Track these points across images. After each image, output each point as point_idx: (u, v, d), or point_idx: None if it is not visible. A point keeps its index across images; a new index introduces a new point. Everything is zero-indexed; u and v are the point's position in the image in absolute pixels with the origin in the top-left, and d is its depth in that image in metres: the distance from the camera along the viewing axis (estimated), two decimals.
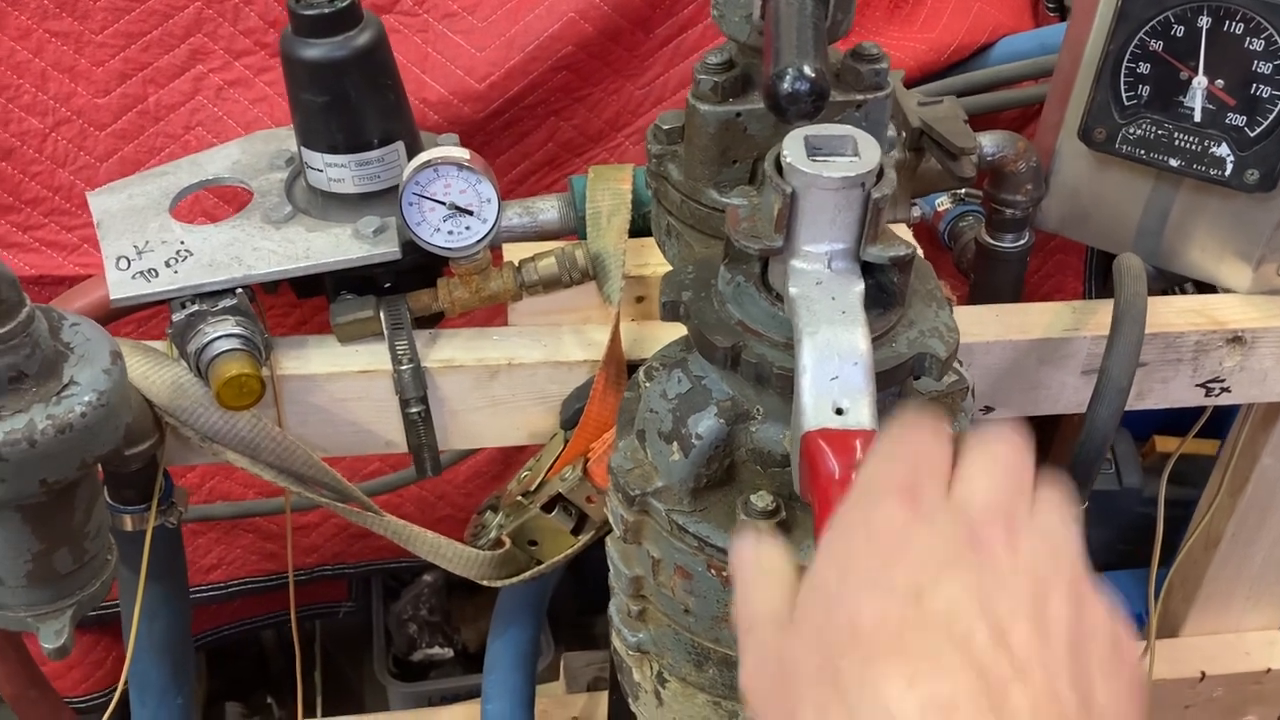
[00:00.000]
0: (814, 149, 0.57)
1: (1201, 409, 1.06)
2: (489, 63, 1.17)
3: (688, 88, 1.26)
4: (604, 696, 1.12)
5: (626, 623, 0.72)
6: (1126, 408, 0.93)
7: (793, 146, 0.57)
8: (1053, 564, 0.43)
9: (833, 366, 0.54)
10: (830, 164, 0.56)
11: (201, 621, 1.50)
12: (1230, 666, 1.19)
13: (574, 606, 1.73)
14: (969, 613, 0.39)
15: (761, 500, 0.61)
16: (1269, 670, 1.19)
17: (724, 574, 0.63)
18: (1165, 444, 1.77)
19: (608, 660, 1.22)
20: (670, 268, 0.69)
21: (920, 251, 0.88)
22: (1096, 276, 1.40)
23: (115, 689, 1.48)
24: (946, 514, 0.43)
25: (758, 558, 0.48)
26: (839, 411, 0.53)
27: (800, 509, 0.62)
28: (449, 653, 1.88)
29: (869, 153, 0.57)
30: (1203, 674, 1.18)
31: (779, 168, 0.57)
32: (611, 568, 0.71)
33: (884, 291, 0.60)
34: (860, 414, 0.53)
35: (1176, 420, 1.24)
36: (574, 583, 1.73)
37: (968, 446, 0.46)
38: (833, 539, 0.45)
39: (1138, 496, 1.51)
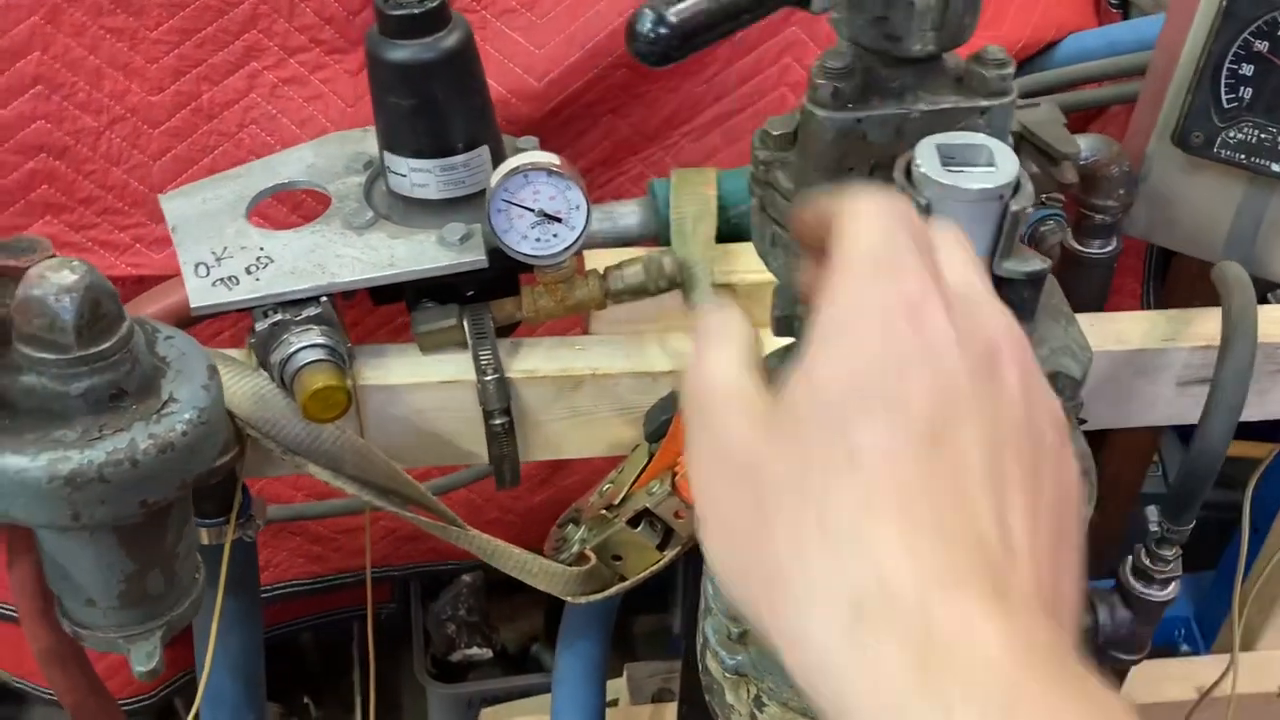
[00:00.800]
0: (948, 158, 0.54)
1: None
2: (548, 60, 1.15)
3: (747, 83, 1.26)
4: (671, 708, 1.10)
5: (725, 645, 0.69)
6: None
7: (926, 155, 0.54)
8: (1050, 416, 0.41)
9: None
10: (967, 175, 0.53)
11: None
12: None
13: (634, 606, 1.71)
14: (978, 471, 0.36)
15: None
16: None
17: None
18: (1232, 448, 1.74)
19: (672, 672, 1.20)
20: (779, 284, 0.66)
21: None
22: (1155, 277, 1.37)
23: (160, 691, 1.47)
24: (965, 330, 0.39)
25: (724, 321, 0.43)
26: None
27: None
28: (488, 653, 1.87)
29: (1007, 163, 0.54)
30: None
31: (910, 177, 0.55)
32: (710, 588, 0.69)
33: (1013, 308, 0.57)
34: None
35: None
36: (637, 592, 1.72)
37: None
38: (833, 333, 0.38)
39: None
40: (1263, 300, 1.03)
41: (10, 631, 1.40)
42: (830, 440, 0.36)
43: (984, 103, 0.62)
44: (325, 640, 1.90)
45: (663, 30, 0.48)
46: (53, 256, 0.56)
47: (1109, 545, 1.90)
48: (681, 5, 0.48)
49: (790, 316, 0.60)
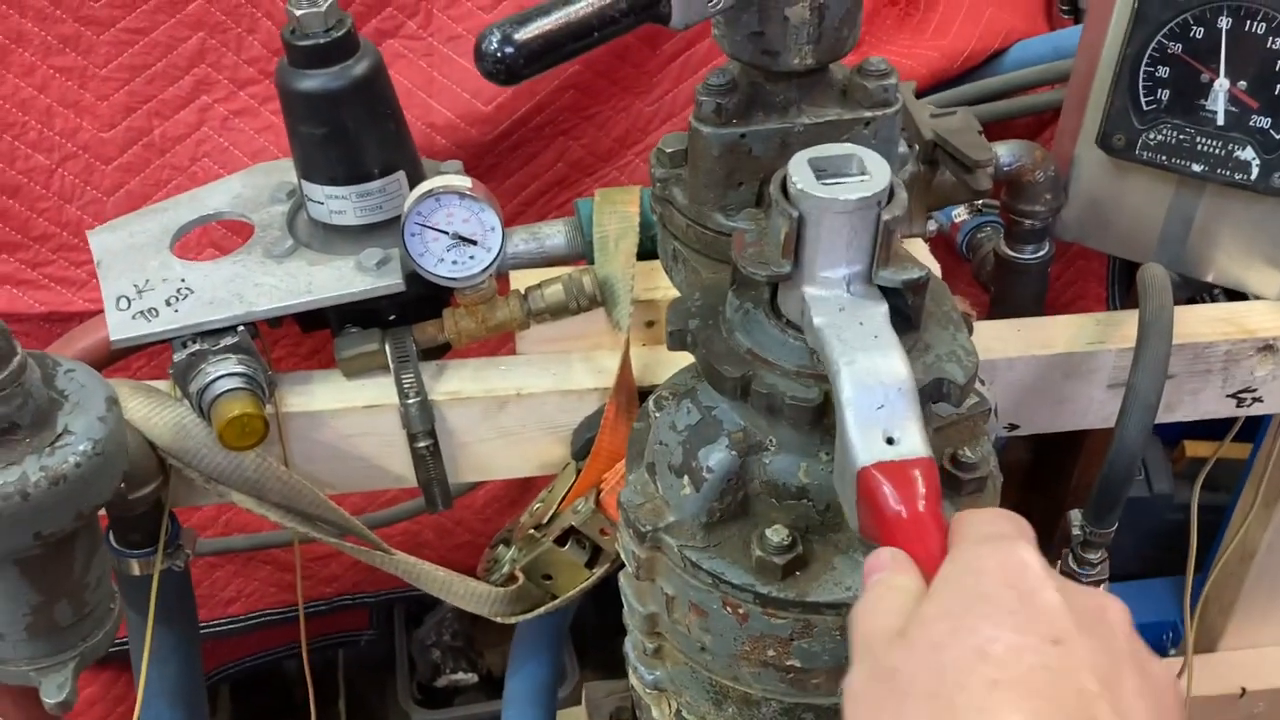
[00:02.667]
0: (820, 170, 0.55)
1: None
2: (496, 84, 1.16)
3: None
4: None
5: (643, 660, 0.70)
6: (1156, 420, 0.91)
7: (798, 169, 0.55)
8: (1159, 664, 0.46)
9: (878, 395, 0.52)
10: (840, 186, 0.54)
11: (223, 654, 1.50)
12: (1272, 681, 1.16)
13: (599, 628, 1.71)
14: (1096, 677, 0.41)
15: (777, 535, 0.59)
16: None
17: (740, 611, 0.61)
18: (1195, 449, 1.74)
19: (630, 690, 1.20)
20: (676, 296, 0.67)
21: (939, 270, 0.86)
22: (1120, 282, 1.37)
23: None
24: (1072, 589, 0.45)
25: (892, 572, 0.49)
26: (890, 441, 0.51)
27: (818, 543, 0.60)
28: (473, 678, 1.86)
29: (878, 172, 0.55)
30: (1243, 690, 1.15)
31: (785, 191, 0.55)
32: (625, 605, 0.69)
33: (898, 315, 0.58)
34: (913, 442, 0.51)
35: (1206, 424, 1.22)
36: (597, 605, 1.71)
37: None
38: (956, 574, 0.46)
39: (1169, 503, 1.49)
40: (1200, 300, 1.03)
41: None
42: (960, 641, 0.43)
43: (868, 114, 0.62)
44: (311, 669, 1.89)
45: (509, 49, 0.49)
46: None
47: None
48: (527, 26, 0.49)
49: (684, 331, 0.61)
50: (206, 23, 1.15)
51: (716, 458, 0.60)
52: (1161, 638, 1.72)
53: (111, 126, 1.16)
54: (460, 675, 1.86)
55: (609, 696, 1.11)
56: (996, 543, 0.47)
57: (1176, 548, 1.16)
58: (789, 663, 0.62)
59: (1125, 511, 1.87)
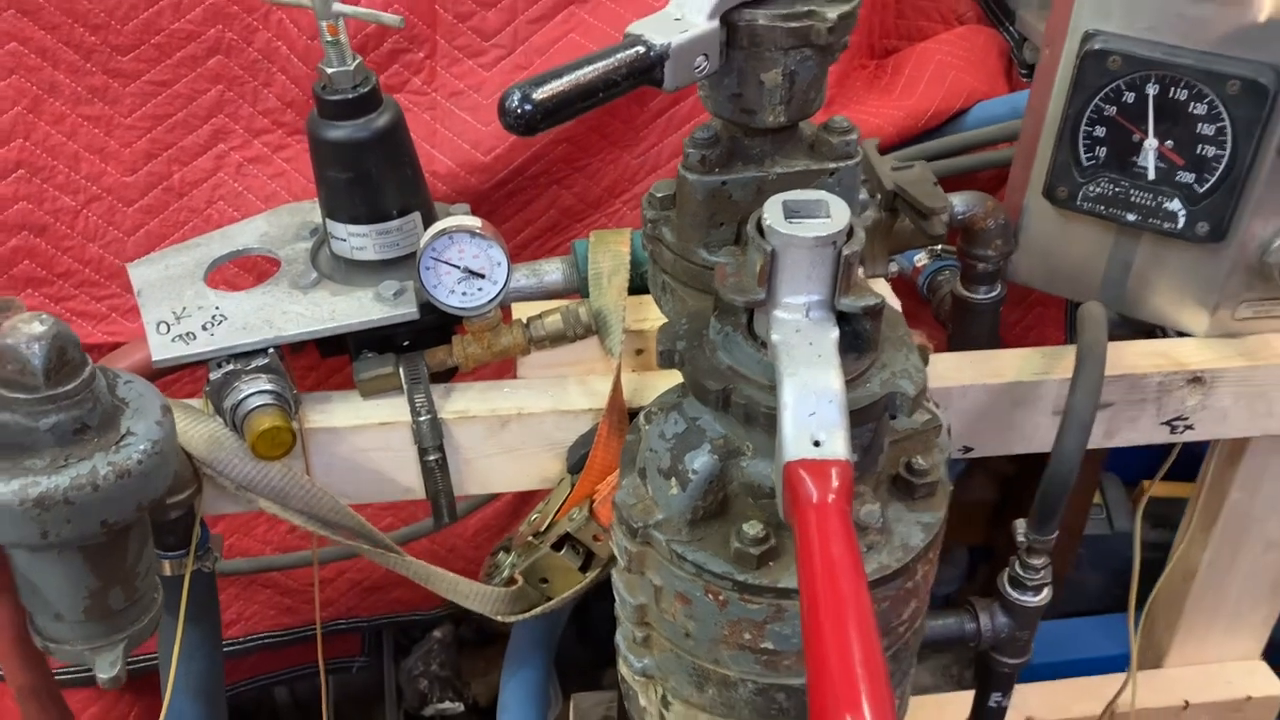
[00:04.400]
0: (791, 212, 0.64)
1: (1180, 454, 1.13)
2: (494, 136, 1.25)
3: (680, 157, 1.37)
4: None
5: (632, 649, 0.77)
6: (1099, 445, 1.00)
7: (772, 210, 0.64)
8: None
9: (810, 404, 0.61)
10: (805, 225, 0.63)
11: None
12: (1212, 695, 1.24)
13: (582, 657, 1.78)
14: None
15: (753, 529, 0.67)
16: (1249, 698, 1.24)
17: (720, 597, 0.69)
18: (1154, 488, 1.82)
19: (614, 700, 1.27)
20: (666, 321, 0.76)
21: (897, 303, 0.95)
22: (1075, 326, 1.46)
23: None
24: None
25: None
26: (816, 443, 0.60)
27: (787, 536, 0.68)
28: (459, 707, 1.90)
29: (839, 214, 0.64)
30: (1186, 703, 1.23)
31: (760, 229, 0.64)
32: (617, 598, 0.77)
33: (859, 338, 0.67)
34: (835, 445, 0.59)
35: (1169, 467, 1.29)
36: (581, 634, 1.78)
37: None
38: None
39: (1129, 541, 1.58)
40: (1150, 336, 1.12)
41: None
42: None
43: (832, 165, 0.72)
44: (301, 696, 1.93)
45: (528, 107, 0.58)
46: (17, 313, 0.65)
47: (1054, 586, 1.97)
48: (543, 87, 0.58)
49: (672, 350, 0.69)
50: (225, 76, 1.24)
51: (701, 461, 0.68)
52: (1121, 668, 1.80)
53: (134, 171, 1.24)
54: (447, 705, 1.90)
55: (595, 706, 1.18)
56: None
57: (1141, 584, 1.23)
58: (763, 645, 0.70)
59: (1088, 550, 1.95)
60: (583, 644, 1.77)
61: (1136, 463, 1.62)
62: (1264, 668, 1.27)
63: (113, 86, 1.21)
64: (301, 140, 1.28)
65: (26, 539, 0.63)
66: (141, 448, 0.65)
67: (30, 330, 0.61)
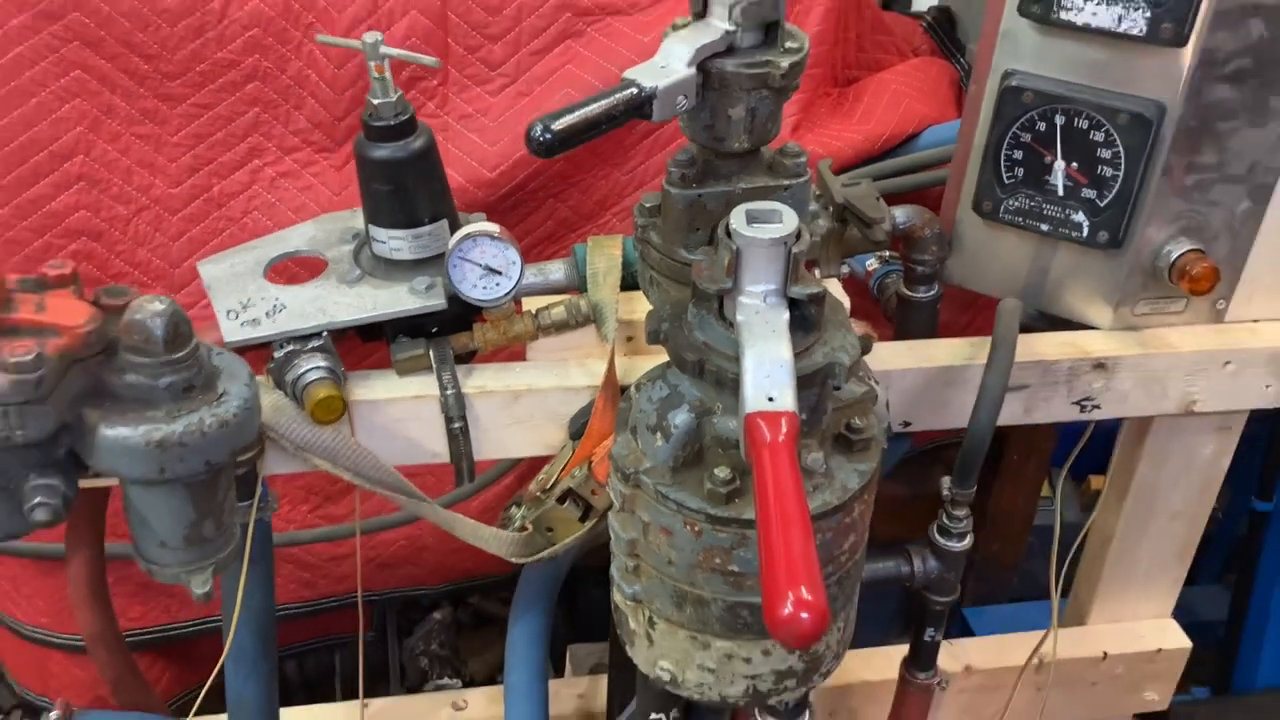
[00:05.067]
0: (752, 218, 0.81)
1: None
2: (499, 155, 1.42)
3: (664, 174, 1.53)
4: (603, 678, 1.33)
5: (624, 578, 0.94)
6: (1019, 422, 1.17)
7: (737, 218, 0.81)
8: None
9: (766, 369, 0.78)
10: (763, 229, 0.80)
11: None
12: (1128, 648, 1.41)
13: (566, 638, 1.92)
14: None
15: (722, 472, 0.84)
16: (1160, 650, 1.41)
17: (696, 529, 0.86)
18: (1100, 483, 2.00)
19: (605, 651, 1.43)
20: (652, 308, 0.93)
21: (846, 300, 1.12)
22: None
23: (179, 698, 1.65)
24: None
25: None
26: (770, 399, 0.77)
27: (749, 479, 0.85)
28: (458, 684, 2.04)
29: (790, 221, 0.81)
30: (1105, 654, 1.40)
31: (728, 232, 0.81)
32: (612, 535, 0.94)
33: (805, 320, 0.84)
34: (785, 400, 0.76)
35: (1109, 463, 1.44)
36: (568, 618, 1.93)
37: None
38: None
39: (1076, 531, 1.66)
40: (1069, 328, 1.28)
41: (36, 654, 1.61)
42: None
43: (786, 182, 0.89)
44: (309, 672, 2.05)
45: (548, 135, 0.75)
46: (139, 297, 0.82)
47: (1006, 573, 2.14)
48: (561, 119, 0.75)
49: (658, 330, 0.86)
50: (260, 100, 1.40)
51: (681, 418, 0.85)
52: None
53: (179, 184, 1.40)
54: (446, 681, 2.03)
55: (588, 656, 1.35)
56: None
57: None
58: (730, 568, 0.86)
59: (1039, 539, 2.11)
60: (568, 625, 1.92)
61: (1083, 460, 1.78)
62: (1174, 625, 1.44)
63: (162, 109, 1.37)
64: (328, 158, 1.44)
65: (147, 474, 0.79)
66: (236, 403, 0.81)
67: (153, 308, 0.78)
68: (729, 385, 0.83)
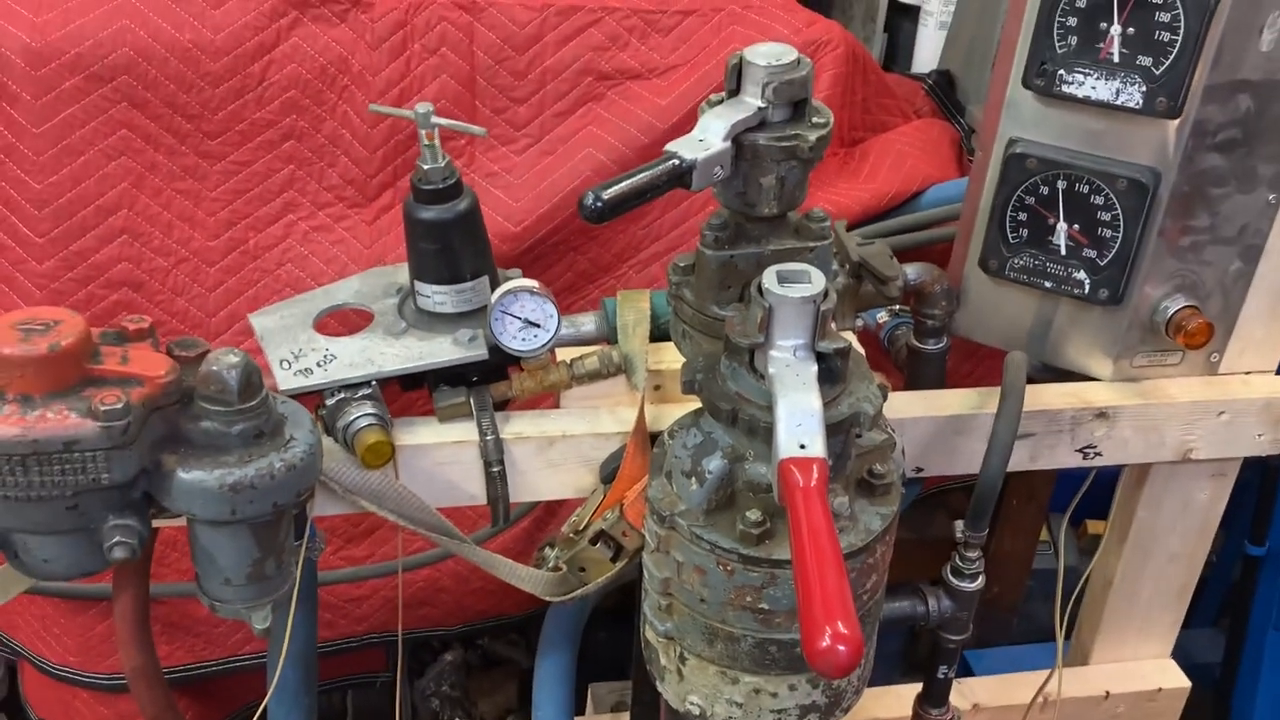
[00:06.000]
0: (783, 279, 0.88)
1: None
2: (522, 211, 1.48)
3: (677, 228, 1.61)
4: (623, 716, 1.38)
5: (657, 615, 0.99)
6: (1025, 468, 1.23)
7: (769, 278, 0.88)
8: None
9: (797, 418, 0.84)
10: (793, 288, 0.87)
11: (250, 691, 1.72)
12: (1129, 687, 1.46)
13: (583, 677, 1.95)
14: None
15: (754, 515, 0.90)
16: (1160, 689, 1.46)
17: (728, 568, 0.91)
18: (1096, 527, 2.05)
19: (627, 688, 1.47)
20: (684, 360, 0.99)
21: (861, 350, 1.19)
22: None
23: None
24: None
25: None
26: (802, 446, 0.83)
27: (781, 522, 0.91)
28: None
29: (819, 281, 0.87)
30: (1107, 693, 1.45)
31: (760, 291, 0.88)
32: (646, 574, 0.99)
33: (832, 372, 0.90)
34: (815, 448, 0.82)
35: (1105, 508, 1.50)
36: (580, 657, 1.96)
37: None
38: None
39: (1075, 574, 1.69)
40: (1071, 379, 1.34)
41: (63, 692, 1.64)
42: None
43: (812, 244, 0.96)
44: (324, 714, 2.08)
45: (600, 203, 0.81)
46: (210, 350, 0.88)
47: (1006, 615, 2.19)
48: (611, 189, 0.81)
49: (693, 380, 0.93)
50: (295, 158, 1.46)
51: (715, 464, 0.91)
52: None
53: (216, 237, 1.46)
54: None
55: (609, 694, 1.39)
56: None
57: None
58: (761, 606, 0.92)
59: (1038, 582, 2.16)
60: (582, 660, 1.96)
61: (1080, 506, 1.82)
62: (1173, 665, 1.50)
63: (202, 165, 1.43)
64: (360, 213, 1.50)
65: (219, 515, 0.85)
66: (302, 448, 0.87)
67: (228, 361, 0.84)
68: (760, 433, 0.88)
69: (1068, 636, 1.50)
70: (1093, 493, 1.39)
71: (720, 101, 0.91)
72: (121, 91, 1.35)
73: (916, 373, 1.30)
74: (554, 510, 1.60)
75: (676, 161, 0.85)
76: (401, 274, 1.15)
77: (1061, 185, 1.17)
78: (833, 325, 0.89)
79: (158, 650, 1.58)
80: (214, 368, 0.83)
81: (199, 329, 1.47)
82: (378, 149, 1.47)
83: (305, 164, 1.48)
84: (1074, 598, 1.42)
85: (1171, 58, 1.05)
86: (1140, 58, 1.07)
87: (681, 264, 0.99)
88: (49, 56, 1.32)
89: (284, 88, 1.42)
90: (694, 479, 0.92)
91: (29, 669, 1.67)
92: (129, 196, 1.40)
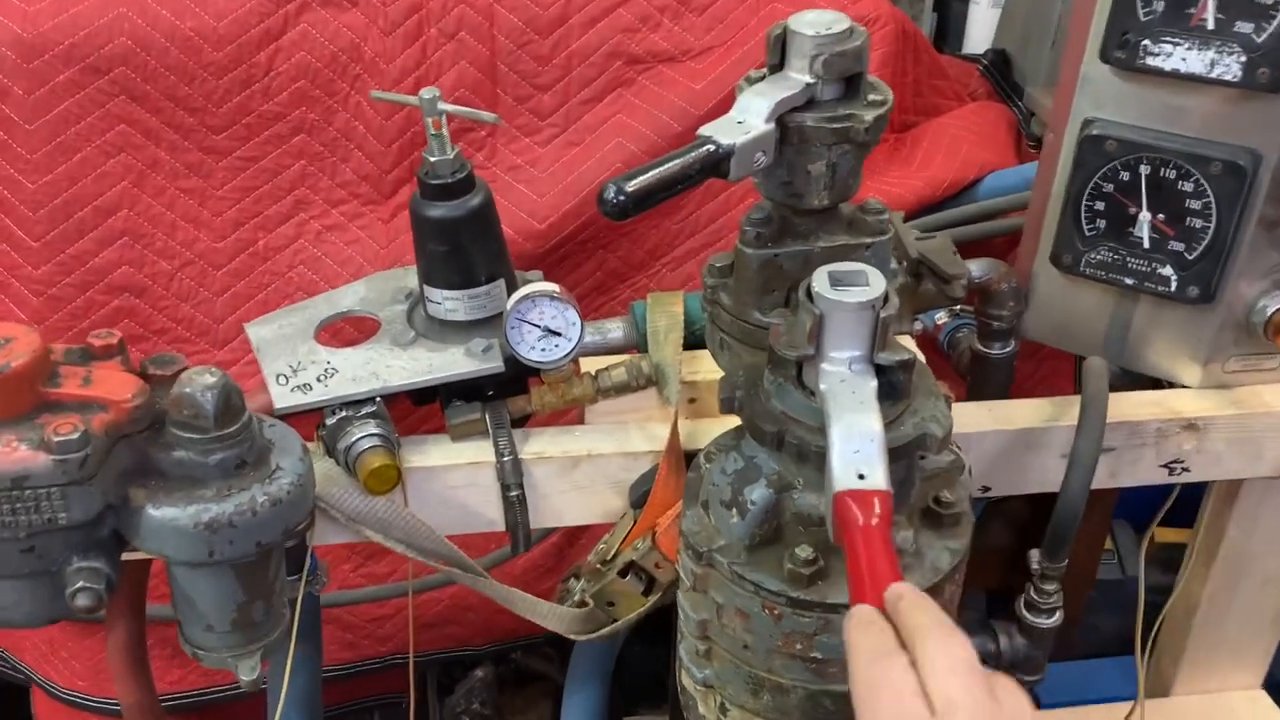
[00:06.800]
0: (836, 281, 0.76)
1: (1183, 500, 1.23)
2: (549, 206, 1.38)
3: (715, 222, 1.50)
4: None
5: (695, 661, 0.88)
6: (1104, 486, 1.11)
7: (820, 280, 0.76)
8: None
9: (855, 443, 0.72)
10: (849, 292, 0.75)
11: (264, 716, 1.65)
12: None
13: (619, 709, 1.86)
14: None
15: (804, 552, 0.78)
16: None
17: (775, 612, 0.80)
18: (1164, 535, 1.92)
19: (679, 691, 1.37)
20: (721, 374, 0.88)
21: (922, 358, 1.07)
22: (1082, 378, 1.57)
23: None
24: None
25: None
26: (861, 477, 0.71)
27: (835, 559, 0.79)
28: None
29: (877, 283, 0.76)
30: None
31: (809, 295, 0.76)
32: (681, 615, 0.88)
33: (894, 388, 0.79)
34: (876, 479, 0.71)
35: (1174, 513, 1.39)
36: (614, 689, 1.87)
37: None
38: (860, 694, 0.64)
39: (1137, 584, 1.66)
40: (1151, 387, 1.23)
41: (72, 716, 1.57)
42: None
43: (868, 240, 0.84)
44: None
45: (622, 197, 0.70)
46: (187, 368, 0.78)
47: (1068, 628, 2.06)
48: (635, 180, 0.70)
49: (732, 398, 0.81)
50: (307, 153, 1.37)
51: (759, 494, 0.80)
52: None
53: (224, 238, 1.37)
54: None
55: None
56: (887, 665, 0.62)
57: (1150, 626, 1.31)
58: (813, 654, 0.81)
59: (1102, 595, 2.04)
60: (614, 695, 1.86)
61: (1146, 512, 1.71)
62: (1264, 697, 1.37)
63: (207, 162, 1.35)
64: (375, 210, 1.41)
65: (195, 557, 0.75)
66: (289, 480, 0.77)
67: (203, 381, 0.73)
68: (811, 458, 0.77)
69: (1135, 653, 1.39)
70: (1155, 497, 1.26)
71: (761, 78, 0.79)
72: (119, 84, 1.28)
73: (981, 380, 1.18)
74: (573, 536, 1.50)
75: (712, 147, 0.74)
76: (411, 278, 1.05)
77: (1145, 170, 1.05)
78: (893, 333, 0.78)
79: (167, 675, 1.52)
80: (187, 389, 0.73)
81: (205, 336, 1.39)
82: (393, 142, 1.38)
83: (317, 159, 1.39)
84: (1141, 613, 1.30)
85: (1276, 21, 0.93)
86: (1239, 23, 0.94)
87: (718, 264, 0.87)
88: (41, 48, 1.24)
89: (293, 77, 1.33)
90: (734, 510, 0.81)
91: (39, 693, 1.60)
92: (129, 196, 1.33)
